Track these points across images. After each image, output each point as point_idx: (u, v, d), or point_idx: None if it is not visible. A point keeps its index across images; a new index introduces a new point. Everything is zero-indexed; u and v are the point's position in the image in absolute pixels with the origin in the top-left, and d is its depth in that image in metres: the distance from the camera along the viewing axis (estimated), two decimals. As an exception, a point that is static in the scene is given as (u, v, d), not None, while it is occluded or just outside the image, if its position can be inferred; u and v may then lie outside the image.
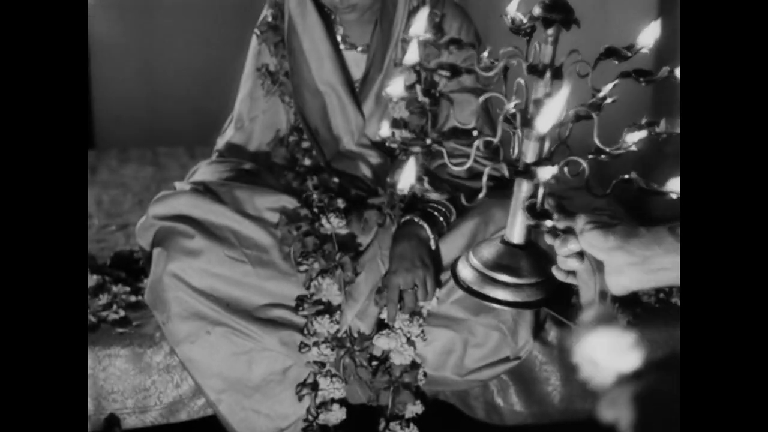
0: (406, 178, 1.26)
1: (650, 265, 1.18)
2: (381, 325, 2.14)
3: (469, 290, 1.29)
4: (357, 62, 2.26)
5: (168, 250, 2.11)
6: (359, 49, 2.25)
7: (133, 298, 2.32)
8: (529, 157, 1.24)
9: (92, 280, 2.34)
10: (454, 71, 1.24)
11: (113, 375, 2.18)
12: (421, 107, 2.21)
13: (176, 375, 2.19)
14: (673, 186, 1.22)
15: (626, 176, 1.27)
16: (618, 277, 1.20)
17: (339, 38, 2.25)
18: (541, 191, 1.25)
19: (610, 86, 1.27)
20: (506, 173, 1.24)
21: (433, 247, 2.12)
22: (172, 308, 2.09)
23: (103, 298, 2.30)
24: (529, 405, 2.24)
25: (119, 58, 4.01)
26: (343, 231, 2.15)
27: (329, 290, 2.11)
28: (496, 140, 1.23)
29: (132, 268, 2.46)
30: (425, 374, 2.14)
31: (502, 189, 2.17)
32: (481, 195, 1.29)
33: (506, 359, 2.14)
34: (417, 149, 1.27)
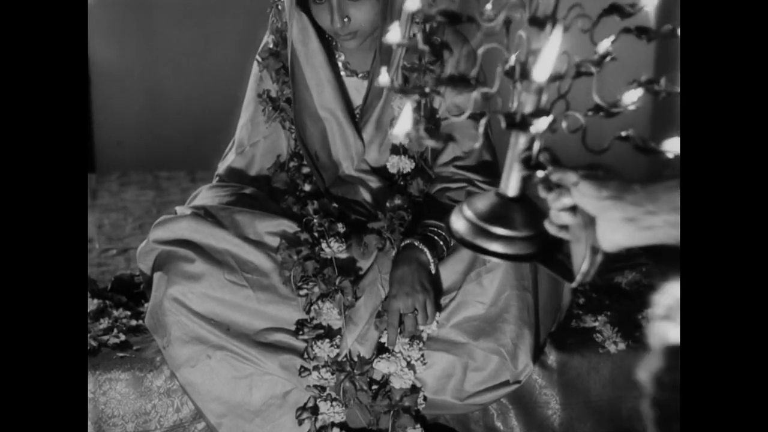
0: (402, 124, 1.23)
1: (643, 222, 1.17)
2: (381, 349, 2.14)
3: (461, 241, 1.29)
4: (357, 88, 2.27)
5: (168, 274, 2.12)
6: (360, 75, 2.26)
7: (133, 322, 2.33)
8: (527, 109, 1.23)
9: (93, 304, 2.35)
10: (453, 18, 1.23)
11: (114, 399, 2.19)
12: (420, 133, 2.22)
13: (177, 399, 2.19)
14: (671, 146, 1.22)
15: (623, 133, 1.26)
16: (610, 233, 1.20)
17: (340, 65, 2.26)
18: (537, 144, 1.25)
19: (609, 41, 1.26)
20: (503, 125, 1.23)
21: (433, 272, 2.12)
22: (172, 332, 2.10)
23: (104, 322, 2.31)
24: (528, 429, 2.24)
25: (120, 82, 4.03)
26: (343, 255, 2.16)
27: (329, 314, 2.11)
28: (494, 90, 1.22)
29: (133, 292, 2.46)
30: (425, 398, 2.14)
31: None
32: (477, 144, 1.28)
33: (506, 383, 2.14)
34: (416, 96, 1.26)
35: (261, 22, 2.34)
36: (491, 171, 2.26)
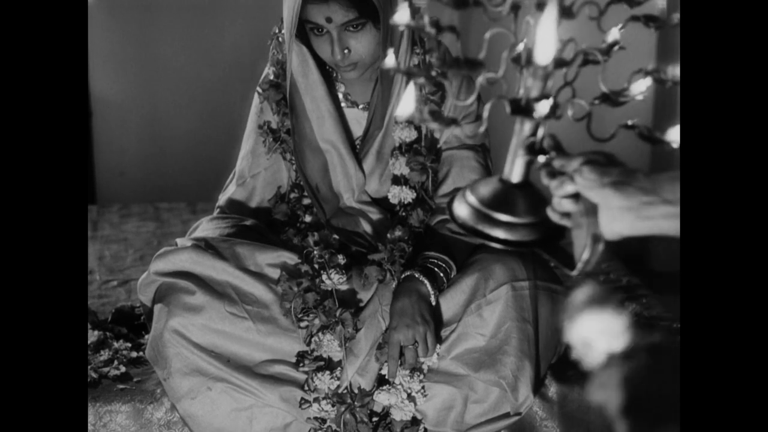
0: (405, 104, 1.23)
1: (646, 211, 1.17)
2: (381, 381, 2.14)
3: (463, 226, 1.29)
4: (358, 119, 2.28)
5: (169, 306, 2.12)
6: (360, 106, 2.27)
7: (134, 354, 2.32)
8: (533, 95, 1.23)
9: (93, 335, 2.35)
10: (459, 3, 1.22)
11: (114, 431, 2.18)
12: (421, 164, 2.23)
13: (177, 431, 2.19)
14: (676, 135, 1.22)
15: (629, 122, 1.26)
16: (612, 222, 1.19)
17: (340, 96, 2.27)
18: (541, 130, 1.25)
19: (617, 29, 1.26)
20: (508, 110, 1.23)
21: (434, 303, 2.13)
22: (172, 364, 2.10)
23: (104, 354, 2.30)
24: (529, 461, 2.24)
25: (121, 113, 4.04)
26: (344, 287, 2.16)
27: (330, 346, 2.11)
28: (499, 75, 1.21)
29: (133, 323, 2.46)
30: (426, 430, 2.14)
31: None
32: (482, 128, 1.28)
33: (506, 415, 2.13)
34: (420, 80, 1.26)
35: (261, 53, 2.35)
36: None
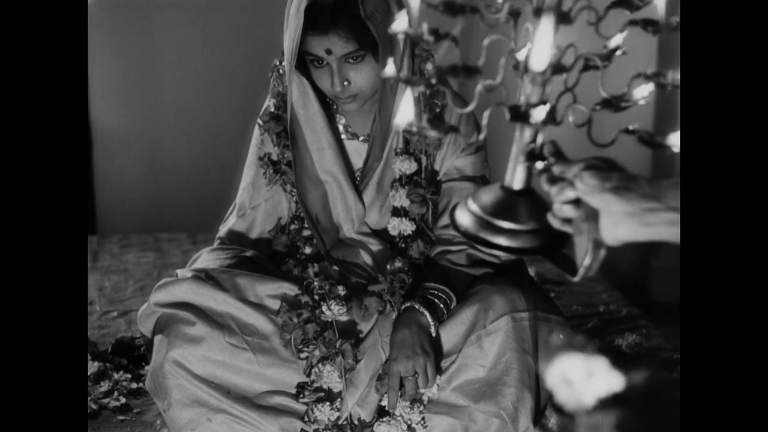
0: (404, 112, 1.23)
1: (648, 218, 1.16)
2: (382, 412, 2.13)
3: (466, 234, 1.29)
4: (358, 151, 2.28)
5: (169, 337, 2.12)
6: (360, 138, 2.28)
7: (134, 385, 2.33)
8: (531, 101, 1.24)
9: (93, 366, 2.35)
10: (454, 10, 1.22)
11: (114, 463, 2.18)
12: (422, 196, 2.23)
13: (177, 462, 2.18)
14: (675, 140, 1.22)
15: (629, 127, 1.26)
16: (614, 227, 1.19)
17: (340, 128, 2.28)
18: (540, 137, 1.25)
19: (621, 36, 1.27)
20: (507, 117, 1.23)
21: (434, 334, 2.12)
22: (173, 395, 2.09)
23: (105, 385, 2.31)
24: (529, 493, 2.23)
25: (122, 143, 4.04)
26: (344, 318, 2.16)
27: (330, 377, 2.11)
28: (497, 82, 1.22)
29: (133, 355, 2.47)
30: (426, 462, 2.13)
31: (501, 275, 2.20)
32: (481, 136, 1.28)
33: (507, 446, 2.13)
34: (420, 88, 1.26)
35: (262, 85, 2.36)
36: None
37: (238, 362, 2.11)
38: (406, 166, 2.23)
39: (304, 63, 2.15)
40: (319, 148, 2.24)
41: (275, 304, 2.16)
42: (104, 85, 3.93)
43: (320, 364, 2.12)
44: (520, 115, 1.24)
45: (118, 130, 4.03)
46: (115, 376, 2.34)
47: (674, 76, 1.25)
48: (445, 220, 2.26)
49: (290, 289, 2.18)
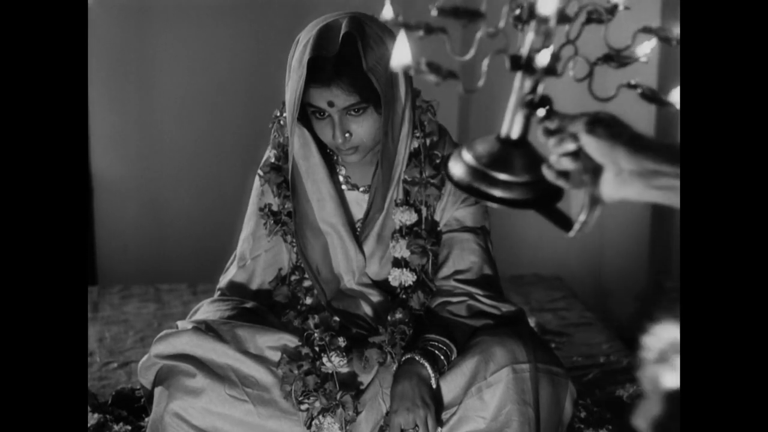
0: (400, 54, 1.21)
1: (656, 181, 1.14)
2: (383, 464, 2.12)
3: (459, 185, 1.28)
4: (359, 202, 2.29)
5: (169, 389, 2.11)
6: (361, 189, 2.28)
7: (134, 437, 2.32)
8: (533, 49, 1.23)
9: (93, 418, 2.34)
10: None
11: None
12: (422, 247, 2.23)
13: None
14: (677, 97, 1.21)
15: (631, 81, 1.25)
16: (618, 186, 1.17)
17: (341, 178, 2.28)
18: (541, 87, 1.24)
19: None
20: (508, 65, 1.21)
21: (434, 386, 2.11)
22: (173, 447, 2.08)
23: (104, 437, 2.30)
24: None
25: (122, 193, 4.04)
26: (345, 369, 2.15)
27: (330, 429, 2.10)
28: (499, 27, 1.20)
29: (133, 406, 2.46)
30: None
31: (502, 326, 2.20)
32: (480, 83, 1.26)
33: (508, 498, 2.11)
34: (420, 32, 1.23)
35: (262, 135, 2.38)
36: (492, 285, 2.27)
37: (239, 414, 2.10)
38: (406, 217, 2.23)
39: (306, 114, 2.16)
40: (320, 199, 2.24)
41: (276, 356, 2.16)
42: (103, 134, 3.93)
43: (321, 416, 2.11)
44: (521, 65, 1.23)
45: (118, 180, 4.02)
46: (115, 428, 2.33)
47: (678, 30, 1.24)
48: (445, 271, 2.26)
49: (291, 341, 2.17)
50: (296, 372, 2.13)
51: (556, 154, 1.23)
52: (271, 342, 2.17)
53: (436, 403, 2.10)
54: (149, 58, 3.93)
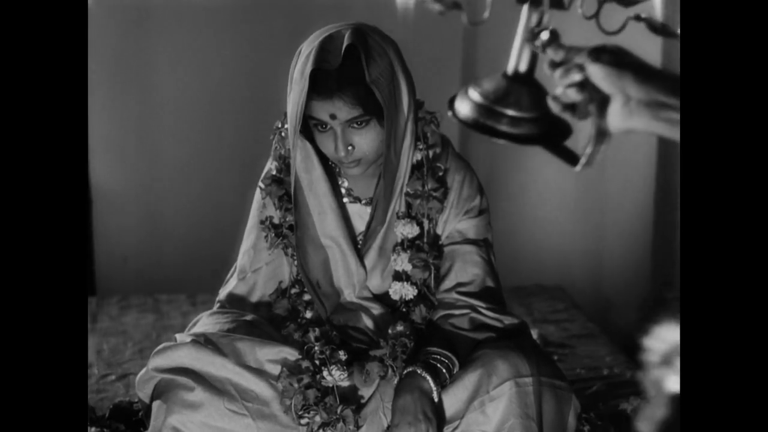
0: None
1: (663, 113, 1.13)
2: (384, 480, 2.10)
3: (465, 122, 1.29)
4: (360, 215, 2.28)
5: (168, 403, 2.09)
6: (363, 202, 2.27)
7: (132, 451, 2.30)
8: None
9: (91, 432, 2.32)
10: None
11: None
12: (424, 261, 2.22)
13: None
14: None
15: (640, 15, 1.26)
16: (625, 116, 1.16)
17: (343, 191, 2.27)
18: (546, 18, 1.25)
19: None
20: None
21: (436, 400, 2.10)
22: (171, 462, 2.06)
23: (102, 451, 2.28)
24: None
25: (121, 203, 4.03)
26: (345, 383, 2.14)
27: (331, 444, 2.08)
28: None
29: (131, 420, 2.44)
30: None
31: (504, 339, 2.18)
32: (486, 14, 1.26)
33: None
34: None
35: (263, 147, 2.36)
36: (495, 297, 2.26)
37: (238, 428, 2.08)
38: (408, 230, 2.22)
39: (307, 126, 2.15)
40: (321, 212, 2.23)
41: (275, 369, 2.14)
42: (102, 143, 3.92)
43: (321, 430, 2.09)
44: None
45: (117, 190, 4.02)
46: (113, 441, 2.32)
47: None
48: (447, 284, 2.25)
49: (291, 354, 2.16)
50: (296, 386, 2.11)
51: (562, 86, 1.23)
52: (271, 355, 2.16)
53: (437, 417, 2.09)
54: (148, 67, 3.93)
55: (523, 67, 1.28)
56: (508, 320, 2.24)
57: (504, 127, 1.27)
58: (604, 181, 3.95)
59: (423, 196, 2.21)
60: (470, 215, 2.26)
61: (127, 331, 3.27)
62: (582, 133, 1.27)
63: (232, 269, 2.35)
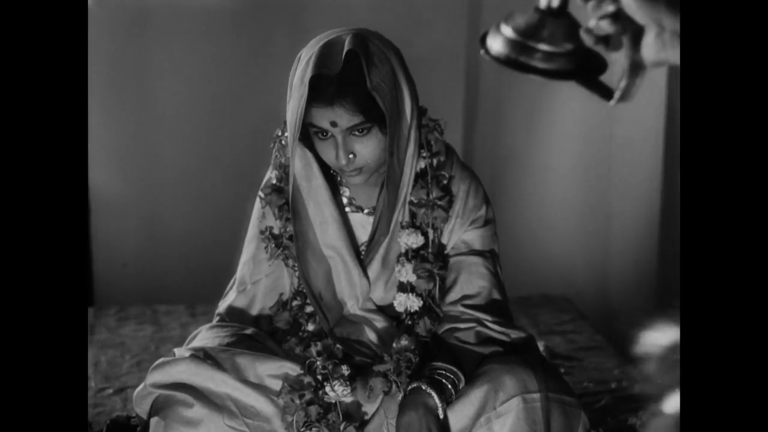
0: None
1: None
2: (387, 499, 2.06)
3: (498, 59, 1.29)
4: (363, 225, 2.24)
5: (166, 419, 2.06)
6: (365, 211, 2.24)
7: (129, 468, 2.28)
8: None
9: (87, 448, 2.29)
10: None
11: None
12: (429, 271, 2.19)
13: None
14: None
15: None
16: (659, 47, 1.16)
17: (345, 200, 2.24)
18: None
19: None
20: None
21: (441, 416, 2.06)
22: (169, 480, 2.02)
23: (98, 468, 2.25)
24: None
25: (120, 212, 4.02)
26: (348, 399, 2.10)
27: (333, 461, 2.05)
28: None
29: (128, 435, 2.42)
30: None
31: (511, 354, 2.15)
32: None
33: None
34: None
35: (263, 155, 2.33)
36: (501, 310, 2.23)
37: (238, 446, 2.05)
38: (412, 240, 2.19)
39: (308, 134, 2.12)
40: (323, 221, 2.20)
41: (276, 385, 2.10)
42: (101, 150, 3.91)
43: (323, 448, 2.06)
44: None
45: (116, 198, 4.01)
46: (110, 458, 2.29)
47: None
48: (452, 296, 2.22)
49: (292, 369, 2.12)
50: (298, 402, 2.08)
51: (595, 18, 1.23)
52: (271, 370, 2.12)
53: (443, 435, 2.05)
54: (148, 73, 3.93)
55: (555, 2, 1.28)
56: (515, 334, 2.21)
57: (537, 63, 1.28)
58: (609, 189, 3.94)
59: (427, 206, 2.18)
60: (476, 225, 2.23)
61: (125, 343, 3.25)
62: (616, 67, 1.28)
63: (232, 281, 2.32)
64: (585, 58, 1.29)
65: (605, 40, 1.24)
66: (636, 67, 1.23)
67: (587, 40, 1.25)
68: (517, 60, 1.28)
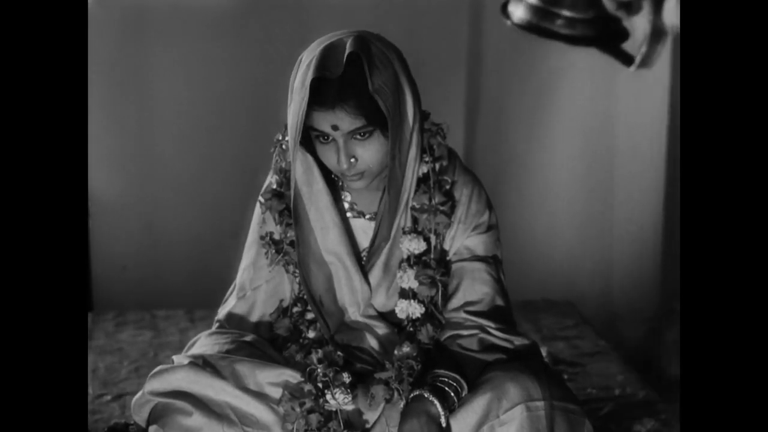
0: None
1: None
2: (389, 508, 2.04)
3: (520, 25, 1.30)
4: (364, 230, 2.22)
5: (165, 428, 2.04)
6: (367, 216, 2.22)
7: (127, 477, 2.26)
8: None
9: (84, 457, 2.27)
10: None
11: None
12: (431, 278, 2.16)
13: None
14: None
15: None
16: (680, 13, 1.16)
17: (346, 206, 2.22)
18: None
19: None
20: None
21: (444, 425, 2.04)
22: (167, 489, 2.01)
23: (96, 477, 2.24)
24: None
25: (119, 217, 4.01)
26: (349, 407, 2.08)
27: (334, 470, 2.03)
28: None
29: (127, 442, 2.40)
30: None
31: (515, 361, 2.13)
32: None
33: None
34: None
35: (263, 159, 2.32)
36: (504, 317, 2.20)
37: (237, 454, 2.03)
38: (414, 246, 2.17)
39: (309, 138, 2.10)
40: (324, 227, 2.18)
41: (277, 393, 2.08)
42: (100, 155, 3.90)
43: (324, 456, 2.04)
44: None
45: (115, 202, 4.00)
46: (107, 467, 2.28)
47: None
48: (455, 302, 2.20)
49: (292, 377, 2.10)
50: (298, 410, 2.05)
51: None
52: (271, 378, 2.10)
53: (446, 444, 2.03)
54: (148, 74, 3.92)
55: None
56: (518, 341, 2.19)
57: (559, 29, 1.29)
58: (611, 192, 3.93)
59: (430, 211, 2.16)
60: (479, 231, 2.21)
61: (123, 349, 3.23)
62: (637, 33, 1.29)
63: (231, 287, 2.30)
64: (606, 24, 1.29)
65: (627, 5, 1.24)
66: (657, 33, 1.23)
67: (609, 6, 1.25)
68: (538, 26, 1.29)
